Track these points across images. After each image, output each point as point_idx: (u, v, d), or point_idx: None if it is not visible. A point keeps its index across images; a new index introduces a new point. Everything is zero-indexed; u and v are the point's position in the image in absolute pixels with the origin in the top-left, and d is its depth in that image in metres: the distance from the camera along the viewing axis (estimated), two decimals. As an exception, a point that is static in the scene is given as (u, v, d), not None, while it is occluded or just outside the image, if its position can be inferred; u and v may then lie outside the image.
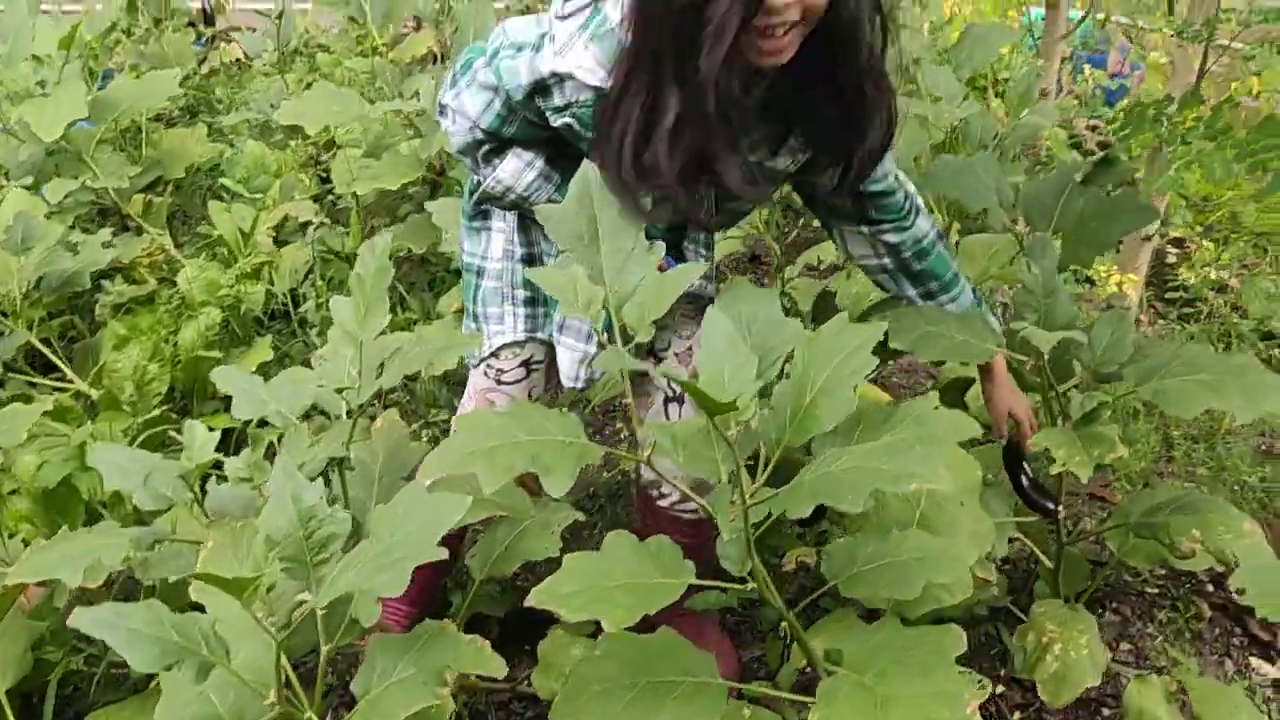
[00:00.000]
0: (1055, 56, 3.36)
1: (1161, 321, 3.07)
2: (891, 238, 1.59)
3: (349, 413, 1.50)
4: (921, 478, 0.99)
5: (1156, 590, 2.21)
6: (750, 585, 1.34)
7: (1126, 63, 4.17)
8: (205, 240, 3.02)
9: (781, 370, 1.37)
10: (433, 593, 1.96)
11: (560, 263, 1.33)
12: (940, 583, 1.28)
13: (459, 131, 1.52)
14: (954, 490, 1.59)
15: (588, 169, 1.36)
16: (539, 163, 1.52)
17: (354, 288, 1.46)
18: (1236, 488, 2.42)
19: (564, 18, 1.38)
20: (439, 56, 3.31)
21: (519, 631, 2.06)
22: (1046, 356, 1.54)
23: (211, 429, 1.53)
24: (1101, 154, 1.63)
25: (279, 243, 2.99)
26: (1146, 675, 1.67)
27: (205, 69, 4.01)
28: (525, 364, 1.70)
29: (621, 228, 1.32)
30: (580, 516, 1.85)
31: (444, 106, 1.52)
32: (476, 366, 1.72)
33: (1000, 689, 2.01)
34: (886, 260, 1.63)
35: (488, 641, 1.27)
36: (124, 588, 2.02)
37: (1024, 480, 1.77)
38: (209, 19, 4.66)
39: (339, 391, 1.46)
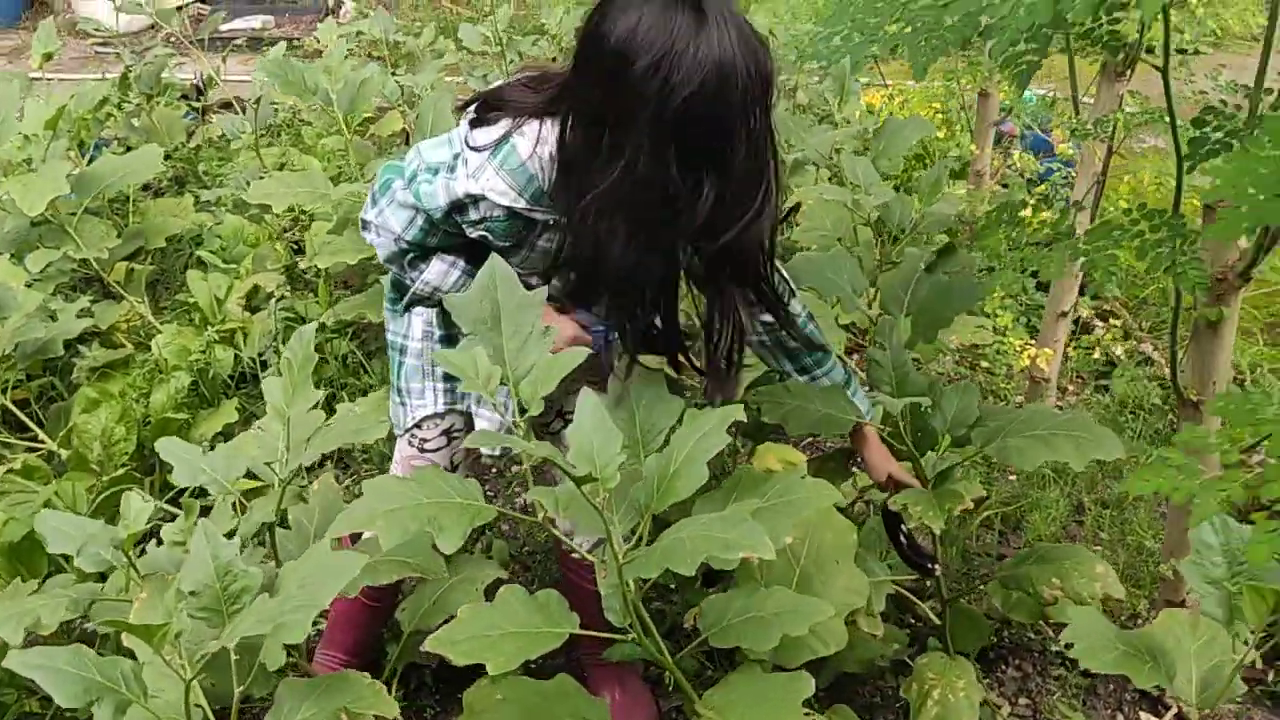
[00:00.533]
0: (987, 143, 3.58)
1: (1086, 392, 3.23)
2: (767, 317, 1.77)
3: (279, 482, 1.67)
4: (749, 547, 1.15)
5: (1055, 648, 2.35)
6: (631, 636, 1.50)
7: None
8: (182, 307, 3.20)
9: (665, 442, 1.54)
10: (369, 644, 2.10)
11: (466, 344, 1.50)
12: (795, 635, 1.42)
13: (384, 244, 1.71)
14: (831, 548, 1.74)
15: (495, 261, 1.54)
16: (460, 263, 1.71)
17: (284, 371, 1.64)
18: (1137, 552, 2.57)
19: (476, 149, 1.57)
20: (408, 136, 3.52)
21: (452, 680, 2.20)
22: (901, 423, 1.71)
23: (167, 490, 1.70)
24: (943, 245, 1.82)
25: (251, 310, 3.17)
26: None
27: (194, 142, 4.22)
28: (446, 433, 1.86)
29: (521, 313, 1.49)
30: (502, 574, 2.00)
31: (367, 223, 1.72)
32: (402, 435, 1.88)
33: (900, 742, 2.15)
34: (765, 338, 1.81)
35: (384, 685, 1.41)
36: (85, 635, 2.17)
37: (902, 540, 1.93)
38: (200, 92, 4.88)
39: (268, 464, 1.63)
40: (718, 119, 1.47)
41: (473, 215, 1.61)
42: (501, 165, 1.56)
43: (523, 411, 1.46)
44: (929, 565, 1.93)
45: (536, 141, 1.56)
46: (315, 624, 2.37)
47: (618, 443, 1.32)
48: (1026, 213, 1.70)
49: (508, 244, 1.64)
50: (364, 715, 1.35)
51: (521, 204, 1.57)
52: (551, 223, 1.62)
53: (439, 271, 1.71)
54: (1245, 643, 1.42)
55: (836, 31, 1.35)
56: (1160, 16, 1.36)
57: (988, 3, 1.09)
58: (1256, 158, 1.01)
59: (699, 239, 1.59)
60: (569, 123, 1.54)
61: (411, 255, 1.71)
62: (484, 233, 1.62)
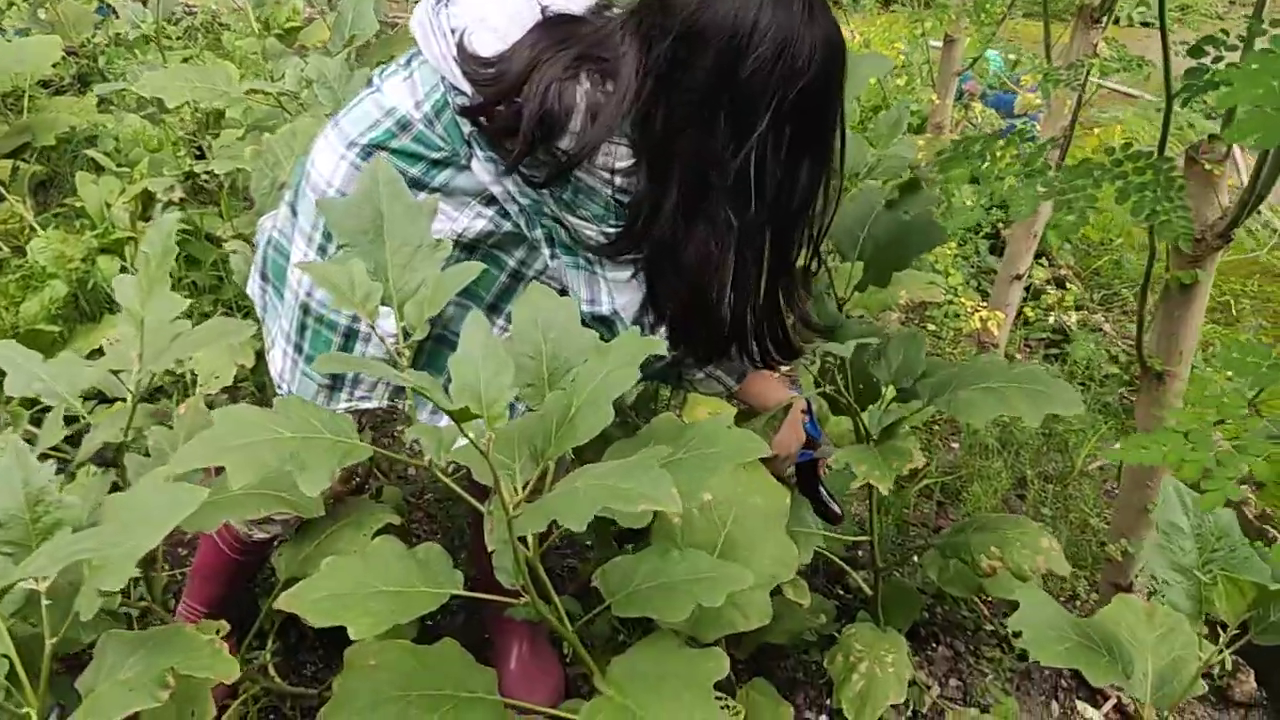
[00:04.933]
0: (949, 92, 3.39)
1: (1034, 360, 3.09)
2: None
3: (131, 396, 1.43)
4: (651, 499, 0.95)
5: (990, 627, 2.21)
6: (524, 600, 1.30)
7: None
8: (69, 211, 2.91)
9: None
10: (233, 599, 1.89)
11: (342, 257, 1.27)
12: (711, 606, 1.24)
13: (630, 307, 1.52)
14: (761, 513, 1.56)
15: (379, 163, 1.31)
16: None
17: (139, 267, 1.40)
18: (1081, 529, 2.44)
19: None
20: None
21: (338, 634, 2.00)
22: (840, 376, 1.54)
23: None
24: (907, 179, 1.64)
25: (148, 220, 2.89)
26: (964, 711, 1.66)
27: (100, 38, 3.88)
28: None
29: (409, 222, 1.27)
30: (396, 519, 1.79)
31: (611, 321, 1.53)
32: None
33: (823, 719, 1.99)
34: None
35: (225, 644, 1.20)
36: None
37: (822, 491, 1.77)
38: (117, -13, 4.52)
39: (115, 373, 1.39)
40: (828, 105, 1.39)
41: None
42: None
43: (407, 336, 1.25)
44: (837, 510, 1.79)
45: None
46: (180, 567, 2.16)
47: (509, 374, 1.11)
48: (997, 148, 1.51)
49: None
50: (196, 675, 1.14)
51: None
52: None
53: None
54: (1215, 639, 1.27)
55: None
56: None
57: None
58: (1274, 59, 0.83)
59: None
60: (652, 109, 1.34)
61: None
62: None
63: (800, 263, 1.57)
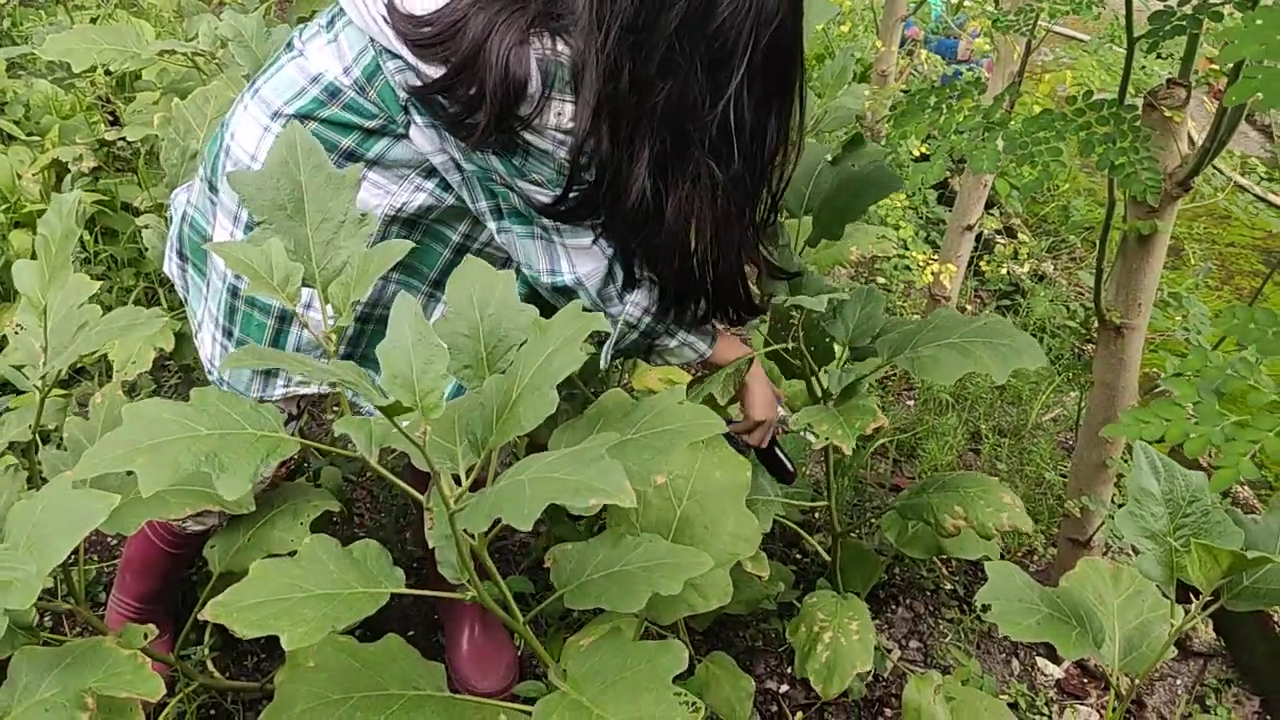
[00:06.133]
0: (894, 39, 3.32)
1: (986, 312, 3.06)
2: None
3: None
4: (602, 493, 0.88)
5: (950, 587, 2.18)
6: (470, 594, 1.23)
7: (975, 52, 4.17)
8: (-24, 184, 2.74)
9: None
10: (167, 592, 1.79)
11: (258, 234, 1.17)
12: (668, 594, 1.17)
13: (595, 276, 1.45)
14: (719, 488, 1.50)
15: (296, 129, 1.20)
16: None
17: (39, 251, 1.28)
18: (1036, 484, 2.41)
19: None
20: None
21: (280, 626, 1.92)
22: (802, 328, 1.48)
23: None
24: (850, 135, 1.58)
25: (61, 191, 2.74)
26: (926, 674, 1.63)
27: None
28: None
29: (331, 195, 1.17)
30: (335, 506, 1.71)
31: (569, 287, 1.45)
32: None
33: (784, 688, 1.96)
34: None
35: (157, 646, 1.12)
36: None
37: (778, 452, 1.73)
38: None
39: (18, 368, 1.28)
40: (794, 53, 1.34)
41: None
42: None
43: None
44: (790, 468, 1.75)
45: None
46: (109, 561, 2.06)
47: (443, 362, 1.03)
48: (952, 100, 1.44)
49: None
50: (117, 695, 1.05)
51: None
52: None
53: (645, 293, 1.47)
54: (1186, 603, 1.23)
55: None
56: None
57: None
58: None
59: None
60: (619, 62, 1.24)
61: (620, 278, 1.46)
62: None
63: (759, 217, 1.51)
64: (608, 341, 1.51)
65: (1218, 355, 0.85)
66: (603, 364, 1.51)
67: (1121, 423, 0.84)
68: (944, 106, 1.43)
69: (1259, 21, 0.69)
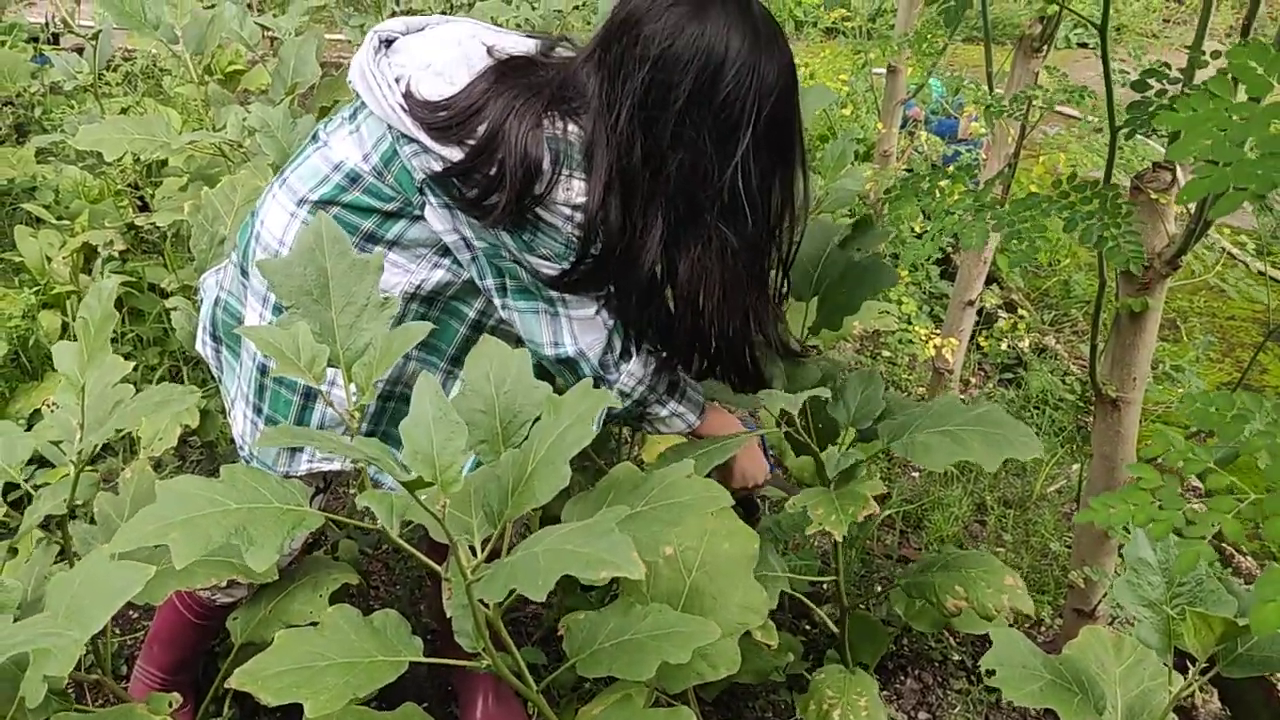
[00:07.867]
0: (894, 121, 3.42)
1: (989, 385, 3.11)
2: None
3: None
4: (612, 565, 0.93)
5: (958, 658, 2.20)
6: (485, 663, 1.27)
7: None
8: (8, 266, 2.84)
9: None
10: (192, 662, 1.83)
11: (285, 319, 1.24)
12: (676, 663, 1.21)
13: (595, 347, 1.52)
14: (728, 559, 1.54)
15: (323, 219, 1.27)
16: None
17: (80, 333, 1.36)
18: (1042, 555, 2.44)
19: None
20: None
21: (296, 697, 1.95)
22: (799, 417, 1.53)
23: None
24: (859, 217, 1.64)
25: (90, 274, 2.83)
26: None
27: (37, 88, 3.81)
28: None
29: (355, 280, 1.24)
30: (354, 579, 1.75)
31: (573, 360, 1.53)
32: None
33: (793, 760, 1.97)
34: None
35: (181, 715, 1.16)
36: None
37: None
38: (56, 39, 4.45)
39: (56, 444, 1.35)
40: (792, 122, 1.44)
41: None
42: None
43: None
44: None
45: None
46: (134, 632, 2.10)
47: (462, 438, 1.09)
48: (944, 184, 1.52)
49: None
50: (146, 765, 1.09)
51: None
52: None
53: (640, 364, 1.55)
54: (1183, 671, 1.26)
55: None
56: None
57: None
58: (1222, 105, 0.82)
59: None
60: (631, 138, 1.36)
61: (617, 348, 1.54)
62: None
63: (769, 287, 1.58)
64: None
65: (1179, 439, 0.90)
66: (594, 429, 1.57)
67: (1092, 508, 0.89)
68: (936, 190, 1.50)
69: (1194, 110, 0.74)
